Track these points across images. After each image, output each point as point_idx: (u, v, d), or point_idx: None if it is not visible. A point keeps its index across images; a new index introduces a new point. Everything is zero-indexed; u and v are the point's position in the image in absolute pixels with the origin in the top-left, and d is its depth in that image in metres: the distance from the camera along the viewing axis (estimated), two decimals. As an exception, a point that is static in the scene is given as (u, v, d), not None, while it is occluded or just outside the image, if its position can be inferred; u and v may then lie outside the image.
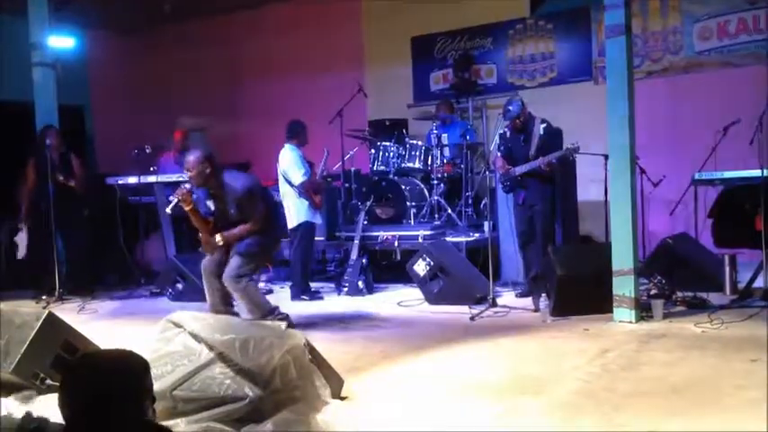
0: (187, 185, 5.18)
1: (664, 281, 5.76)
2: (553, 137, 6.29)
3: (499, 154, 6.54)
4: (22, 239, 7.44)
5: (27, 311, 4.32)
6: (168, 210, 5.33)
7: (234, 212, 5.20)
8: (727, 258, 5.91)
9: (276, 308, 5.39)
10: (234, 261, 5.19)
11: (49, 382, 3.87)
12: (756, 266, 5.58)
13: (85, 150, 10.42)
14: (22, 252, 7.47)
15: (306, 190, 6.84)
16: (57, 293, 7.04)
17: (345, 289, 7.00)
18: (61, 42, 8.10)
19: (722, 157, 6.62)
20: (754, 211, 5.66)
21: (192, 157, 5.12)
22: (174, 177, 8.05)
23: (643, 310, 5.15)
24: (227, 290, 5.25)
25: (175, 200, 5.08)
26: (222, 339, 3.28)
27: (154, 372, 3.21)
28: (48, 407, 3.66)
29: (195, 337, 3.33)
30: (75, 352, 4.04)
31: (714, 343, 4.44)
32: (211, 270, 5.37)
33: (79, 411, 1.76)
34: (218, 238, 5.23)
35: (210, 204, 5.30)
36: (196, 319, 3.53)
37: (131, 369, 1.84)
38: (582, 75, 8.64)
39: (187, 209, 5.16)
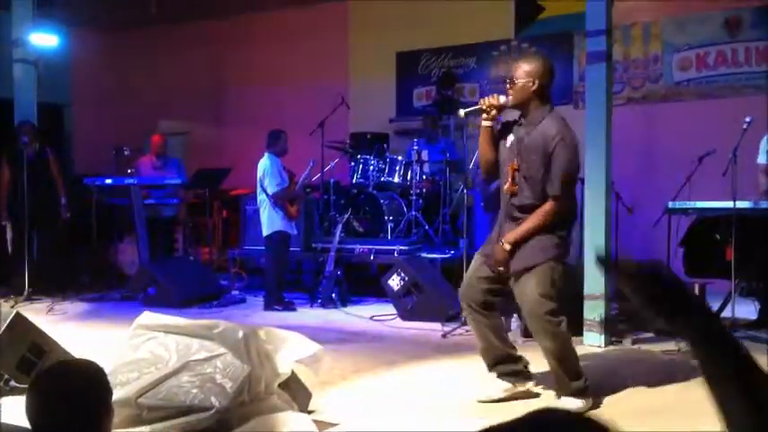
0: (503, 97, 3.80)
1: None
2: None
3: (479, 171, 6.57)
4: (9, 236, 7.36)
5: (-6, 311, 4.27)
6: (462, 113, 4.19)
7: (532, 174, 3.62)
8: (696, 287, 5.97)
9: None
10: (531, 285, 3.64)
11: (13, 383, 3.84)
12: (725, 296, 5.66)
13: (63, 149, 10.33)
14: (10, 248, 7.37)
15: (279, 199, 6.84)
16: (26, 292, 6.95)
17: (319, 301, 6.99)
18: (44, 40, 8.04)
19: (696, 187, 6.71)
20: (725, 242, 5.74)
21: (525, 65, 3.76)
22: (152, 181, 8.03)
23: (612, 336, 5.20)
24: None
25: (480, 104, 3.80)
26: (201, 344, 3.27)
27: (120, 378, 3.21)
28: (11, 408, 3.61)
29: (175, 333, 3.31)
30: (42, 354, 4.00)
31: (680, 371, 4.48)
32: (471, 296, 3.83)
33: (42, 424, 1.75)
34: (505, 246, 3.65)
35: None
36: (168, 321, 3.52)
37: (96, 386, 1.83)
38: (562, 99, 8.71)
39: (486, 123, 3.80)
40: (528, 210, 3.65)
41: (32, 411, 1.77)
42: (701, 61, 8.03)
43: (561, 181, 3.53)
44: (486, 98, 3.75)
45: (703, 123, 7.65)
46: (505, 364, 3.91)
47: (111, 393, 1.87)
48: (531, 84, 3.65)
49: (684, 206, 6.51)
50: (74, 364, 1.92)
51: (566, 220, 3.69)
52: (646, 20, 8.28)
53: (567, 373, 3.70)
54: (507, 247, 3.60)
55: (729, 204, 5.60)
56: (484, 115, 3.77)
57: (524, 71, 3.69)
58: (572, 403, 3.66)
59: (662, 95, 8.24)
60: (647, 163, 7.96)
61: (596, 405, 3.80)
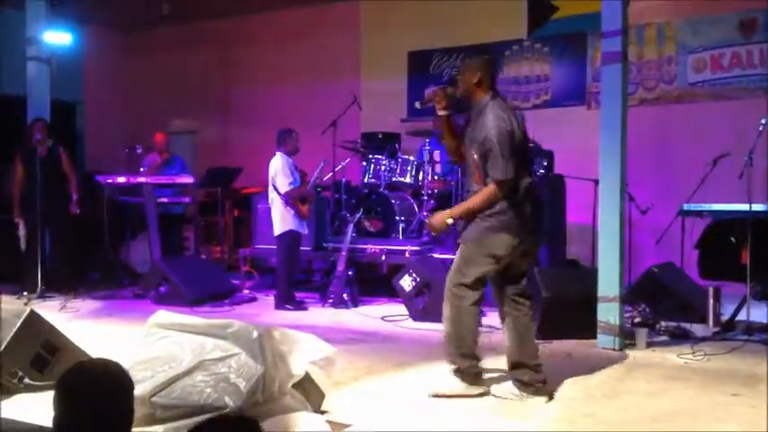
0: (450, 89, 4.06)
1: (648, 309, 5.78)
2: (532, 155, 6.27)
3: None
4: (23, 233, 7.37)
5: (8, 308, 4.26)
6: (417, 105, 4.27)
7: (477, 161, 3.84)
8: (711, 290, 5.93)
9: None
10: (456, 258, 3.97)
11: (27, 380, 3.84)
12: (740, 300, 5.61)
13: (75, 147, 10.37)
14: (23, 246, 7.39)
15: (291, 198, 6.83)
16: (38, 290, 6.97)
17: (330, 301, 6.97)
18: (57, 38, 8.06)
19: (711, 189, 6.67)
20: (740, 245, 5.69)
21: (469, 60, 4.02)
22: (164, 179, 8.05)
23: (626, 338, 5.16)
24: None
25: (429, 93, 4.05)
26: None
27: (134, 376, 3.19)
28: (25, 405, 3.61)
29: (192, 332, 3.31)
30: (56, 351, 4.01)
31: (696, 375, 4.45)
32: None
33: (68, 421, 1.76)
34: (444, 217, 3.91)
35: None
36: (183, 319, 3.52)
37: (122, 387, 1.84)
38: (575, 99, 8.71)
39: (441, 112, 4.02)
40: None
41: (59, 408, 1.77)
42: (715, 62, 7.98)
43: (499, 165, 3.73)
44: (435, 88, 4.04)
45: (718, 125, 7.60)
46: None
47: (133, 395, 1.88)
48: (473, 76, 3.89)
49: (699, 208, 6.47)
50: (101, 365, 1.92)
51: (500, 205, 3.82)
52: (660, 21, 8.24)
53: (455, 345, 3.90)
54: (449, 221, 3.89)
55: (745, 207, 5.56)
56: (437, 105, 4.01)
57: (468, 65, 3.99)
58: (452, 383, 3.89)
59: (676, 97, 8.19)
60: (661, 165, 7.92)
61: (484, 394, 3.91)
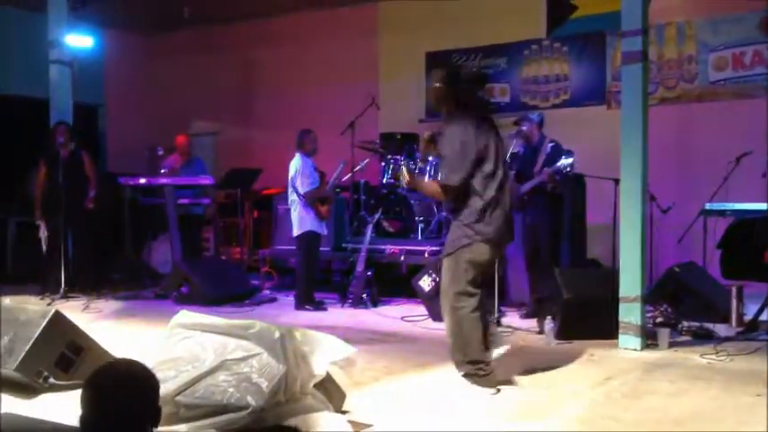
0: (427, 133, 4.51)
1: (670, 309, 5.74)
2: (557, 154, 6.26)
3: (511, 173, 6.55)
4: (44, 235, 7.47)
5: (33, 308, 4.33)
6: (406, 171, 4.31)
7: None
8: (734, 290, 5.87)
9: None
10: (445, 270, 4.11)
11: (52, 380, 3.88)
12: (764, 299, 5.55)
13: (98, 149, 10.48)
14: (44, 247, 7.48)
15: (310, 199, 6.85)
16: (62, 290, 7.05)
17: (350, 301, 6.99)
18: (79, 41, 8.16)
19: (733, 188, 6.61)
20: (763, 244, 5.64)
21: (440, 72, 4.22)
22: (185, 181, 8.10)
23: (648, 339, 5.13)
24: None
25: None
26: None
27: (158, 376, 3.23)
28: (50, 405, 3.66)
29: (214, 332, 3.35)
30: (80, 351, 4.05)
31: (719, 375, 4.41)
32: None
33: (95, 420, 1.79)
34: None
35: None
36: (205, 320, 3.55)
37: (148, 388, 1.88)
38: (595, 99, 8.65)
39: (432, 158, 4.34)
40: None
41: (87, 407, 1.80)
42: (737, 61, 7.89)
43: (445, 171, 4.01)
44: (421, 141, 4.40)
45: (739, 123, 7.52)
46: None
47: (159, 394, 1.91)
48: (442, 88, 4.12)
49: (721, 208, 6.42)
50: (129, 364, 1.95)
51: (470, 211, 4.00)
52: (680, 19, 8.17)
53: (459, 351, 4.05)
54: (406, 178, 4.17)
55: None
56: (427, 153, 4.62)
57: (438, 77, 4.19)
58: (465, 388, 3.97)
59: (697, 95, 8.11)
60: (682, 164, 7.85)
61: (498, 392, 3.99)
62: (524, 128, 6.40)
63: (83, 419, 1.82)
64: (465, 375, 4.01)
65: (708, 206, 6.54)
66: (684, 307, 5.80)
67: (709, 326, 5.51)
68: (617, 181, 5.63)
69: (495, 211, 4.01)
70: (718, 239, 6.35)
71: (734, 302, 5.82)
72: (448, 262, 4.07)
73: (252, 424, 3.07)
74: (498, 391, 4.00)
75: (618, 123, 5.30)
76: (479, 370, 3.99)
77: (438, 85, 4.14)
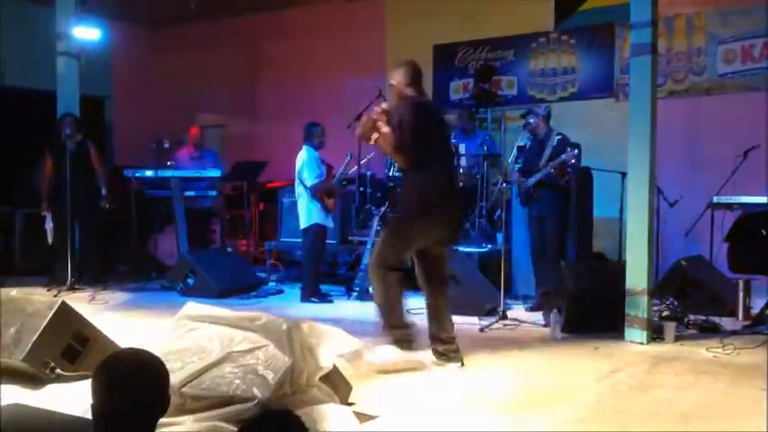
0: (385, 104, 4.60)
1: (676, 303, 5.72)
2: (564, 147, 6.22)
3: (516, 166, 6.54)
4: (49, 227, 7.48)
5: (40, 300, 4.34)
6: (357, 132, 4.64)
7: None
8: (741, 283, 5.85)
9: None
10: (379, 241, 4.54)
11: (58, 371, 3.89)
12: (771, 293, 5.54)
13: (104, 141, 10.49)
14: (51, 239, 7.50)
15: (317, 192, 6.85)
16: (68, 282, 7.08)
17: (355, 293, 7.00)
18: (86, 33, 8.15)
19: (741, 182, 6.58)
20: (771, 238, 5.61)
21: (397, 68, 4.58)
22: (191, 173, 8.10)
23: (654, 332, 5.11)
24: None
25: (374, 116, 4.41)
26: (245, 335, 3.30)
27: (164, 367, 3.24)
28: (56, 396, 3.68)
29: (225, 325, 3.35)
30: (86, 342, 4.06)
31: (725, 369, 4.40)
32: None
33: (107, 408, 1.80)
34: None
35: None
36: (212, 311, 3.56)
37: (158, 376, 1.89)
38: (603, 91, 8.61)
39: (385, 129, 4.39)
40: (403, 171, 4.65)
41: (97, 396, 1.81)
42: (746, 53, 7.84)
43: (397, 135, 4.26)
44: (374, 111, 4.47)
45: (748, 117, 7.47)
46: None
47: (169, 383, 1.91)
48: (401, 83, 4.52)
49: (729, 201, 6.40)
50: (139, 353, 1.95)
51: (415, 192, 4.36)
52: (689, 11, 8.11)
53: (386, 318, 4.42)
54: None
55: (776, 200, 5.48)
56: (382, 126, 4.43)
57: (396, 73, 4.57)
58: (387, 350, 4.33)
59: (705, 88, 8.06)
60: (690, 157, 7.81)
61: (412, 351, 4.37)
62: (531, 121, 6.38)
63: (95, 408, 1.82)
64: (392, 342, 4.36)
65: (715, 199, 6.51)
66: (691, 300, 5.79)
67: (716, 319, 5.50)
68: (624, 174, 5.61)
69: (434, 195, 4.32)
70: (725, 233, 6.32)
71: (741, 296, 5.80)
72: (383, 235, 4.57)
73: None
74: (462, 365, 4.37)
75: (625, 116, 5.28)
76: (404, 335, 4.38)
77: (405, 74, 4.52)
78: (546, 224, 6.31)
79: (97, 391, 1.82)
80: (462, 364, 4.40)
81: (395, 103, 4.51)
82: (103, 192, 7.63)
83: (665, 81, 8.14)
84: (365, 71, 9.59)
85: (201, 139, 8.72)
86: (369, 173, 8.30)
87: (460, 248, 7.22)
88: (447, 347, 4.43)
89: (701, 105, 8.02)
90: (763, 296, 5.65)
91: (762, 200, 6.06)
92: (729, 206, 6.54)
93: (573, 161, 6.07)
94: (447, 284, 4.62)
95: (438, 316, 4.46)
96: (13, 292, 4.52)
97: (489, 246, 7.33)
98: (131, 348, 2.10)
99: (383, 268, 4.36)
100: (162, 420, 2.89)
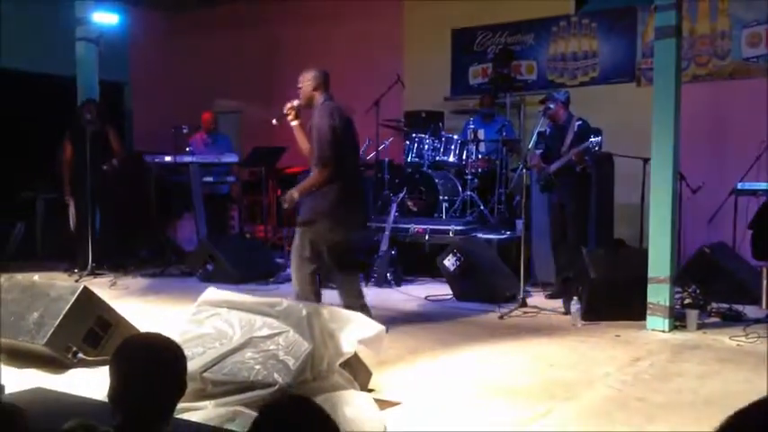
0: (296, 101, 4.88)
1: (698, 291, 5.66)
2: (585, 133, 6.15)
3: (537, 152, 6.47)
4: (72, 213, 7.53)
5: (62, 285, 4.38)
6: (274, 121, 5.03)
7: (313, 153, 4.66)
8: (765, 271, 5.75)
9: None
10: (295, 240, 4.72)
11: (81, 356, 3.93)
12: (795, 282, 5.45)
13: (123, 127, 10.52)
14: (73, 225, 7.55)
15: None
16: (89, 267, 7.12)
17: (373, 280, 6.99)
18: (105, 18, 8.14)
19: (765, 168, 6.47)
20: (796, 225, 5.52)
21: (306, 74, 4.93)
22: (209, 159, 8.10)
23: (676, 320, 5.06)
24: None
25: (284, 110, 4.82)
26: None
27: (185, 352, 3.25)
28: (78, 380, 3.71)
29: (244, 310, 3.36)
30: (108, 327, 4.09)
31: (749, 357, 4.34)
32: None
33: (123, 392, 1.80)
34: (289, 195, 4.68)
35: None
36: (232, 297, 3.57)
37: (175, 360, 1.88)
38: (624, 76, 8.49)
39: (293, 123, 4.83)
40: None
41: (114, 379, 1.81)
42: (771, 37, 7.69)
43: (317, 155, 4.57)
44: (287, 105, 4.82)
45: (773, 101, 7.34)
46: None
47: (186, 367, 1.91)
48: (309, 86, 4.84)
49: (753, 187, 6.31)
50: (156, 337, 1.95)
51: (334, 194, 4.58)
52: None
53: None
54: (295, 195, 4.65)
55: (802, 186, 5.38)
56: (290, 118, 4.83)
57: (305, 77, 4.91)
58: None
59: (729, 72, 7.93)
60: (713, 142, 7.69)
61: None
62: (551, 106, 6.30)
63: (111, 392, 1.83)
64: None
65: (739, 186, 6.42)
66: (714, 288, 5.71)
67: (739, 307, 5.43)
68: (646, 160, 5.53)
69: (345, 195, 4.59)
70: (749, 220, 6.23)
71: (765, 283, 5.71)
72: (299, 233, 4.73)
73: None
74: None
75: (647, 101, 5.20)
76: None
77: (314, 80, 4.90)
78: (566, 210, 6.25)
79: (114, 376, 1.82)
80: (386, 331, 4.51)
81: (314, 111, 4.76)
82: (114, 161, 7.57)
83: (688, 65, 8.00)
84: (383, 57, 9.53)
85: (214, 123, 8.71)
86: (387, 159, 8.27)
87: (480, 235, 7.19)
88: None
89: (725, 89, 7.89)
90: (787, 284, 5.56)
91: (786, 186, 5.96)
92: (753, 192, 6.45)
93: (596, 148, 6.01)
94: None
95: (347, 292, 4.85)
96: (36, 277, 4.56)
97: (508, 232, 7.28)
98: (146, 332, 2.10)
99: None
100: (183, 405, 2.91)
